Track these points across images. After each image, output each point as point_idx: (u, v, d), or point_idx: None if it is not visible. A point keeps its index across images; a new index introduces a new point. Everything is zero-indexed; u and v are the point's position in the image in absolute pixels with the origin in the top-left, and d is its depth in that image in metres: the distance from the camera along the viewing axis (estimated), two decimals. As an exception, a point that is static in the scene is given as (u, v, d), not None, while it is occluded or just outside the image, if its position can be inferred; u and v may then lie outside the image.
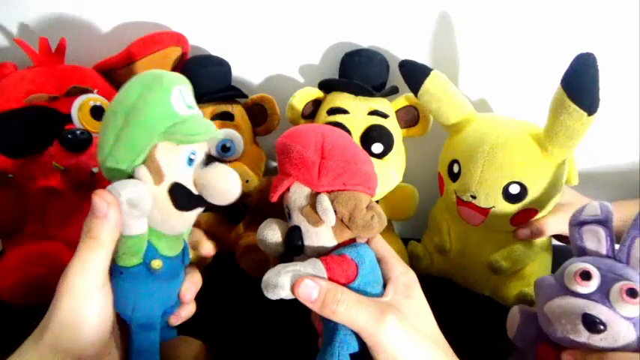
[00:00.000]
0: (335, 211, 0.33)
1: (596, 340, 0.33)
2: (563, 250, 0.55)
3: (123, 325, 0.34)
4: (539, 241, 0.50)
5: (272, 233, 0.36)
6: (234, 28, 0.55)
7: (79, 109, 0.46)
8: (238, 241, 0.55)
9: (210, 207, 0.34)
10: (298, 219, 0.35)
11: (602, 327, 0.32)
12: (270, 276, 0.31)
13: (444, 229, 0.53)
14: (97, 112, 0.47)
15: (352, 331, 0.32)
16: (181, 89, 0.32)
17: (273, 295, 0.31)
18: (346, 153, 0.34)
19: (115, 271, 0.32)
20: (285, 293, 0.31)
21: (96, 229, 0.29)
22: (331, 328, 0.32)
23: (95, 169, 0.48)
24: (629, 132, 0.59)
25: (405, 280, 0.35)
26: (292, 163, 0.34)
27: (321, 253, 0.34)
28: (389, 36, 0.55)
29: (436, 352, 0.32)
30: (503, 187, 0.44)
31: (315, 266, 0.32)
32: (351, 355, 0.32)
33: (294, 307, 0.36)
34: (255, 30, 0.55)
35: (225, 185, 0.32)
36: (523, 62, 0.56)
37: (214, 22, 0.55)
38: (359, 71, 0.53)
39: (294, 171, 0.34)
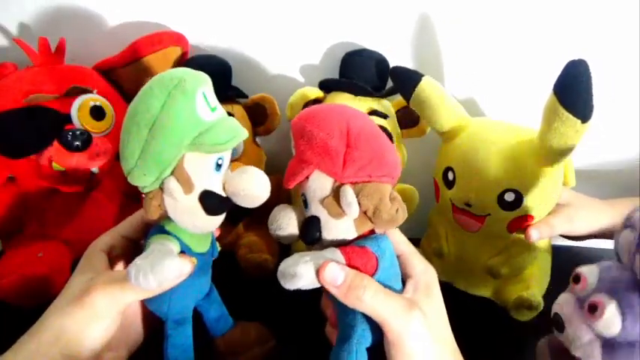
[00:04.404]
0: (359, 204, 0.31)
1: (560, 337, 0.33)
2: (563, 252, 0.55)
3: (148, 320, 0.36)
4: (539, 243, 0.50)
5: (287, 222, 0.33)
6: (234, 27, 0.55)
7: (78, 109, 0.46)
8: (238, 241, 0.55)
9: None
10: (317, 209, 0.32)
11: (562, 327, 0.33)
12: (287, 265, 0.30)
13: (442, 234, 0.52)
14: (97, 112, 0.47)
15: (369, 326, 0.31)
16: (204, 91, 0.31)
17: (290, 284, 0.29)
18: (373, 142, 0.32)
19: None
20: (302, 283, 0.29)
21: None
22: (348, 323, 0.31)
23: (95, 169, 0.48)
24: (628, 129, 0.59)
25: (426, 279, 0.33)
26: (314, 151, 0.31)
27: (339, 245, 0.32)
28: (389, 36, 0.55)
29: (447, 356, 0.31)
30: (498, 195, 0.44)
31: (335, 256, 0.31)
32: (366, 349, 0.31)
33: (296, 305, 0.36)
34: (255, 29, 0.55)
35: (256, 191, 0.33)
36: (525, 63, 0.55)
37: (214, 21, 0.55)
38: (359, 71, 0.53)
39: (315, 159, 0.31)
